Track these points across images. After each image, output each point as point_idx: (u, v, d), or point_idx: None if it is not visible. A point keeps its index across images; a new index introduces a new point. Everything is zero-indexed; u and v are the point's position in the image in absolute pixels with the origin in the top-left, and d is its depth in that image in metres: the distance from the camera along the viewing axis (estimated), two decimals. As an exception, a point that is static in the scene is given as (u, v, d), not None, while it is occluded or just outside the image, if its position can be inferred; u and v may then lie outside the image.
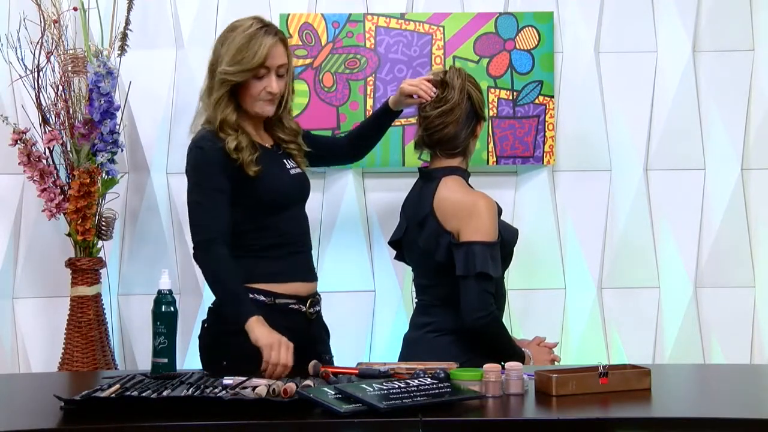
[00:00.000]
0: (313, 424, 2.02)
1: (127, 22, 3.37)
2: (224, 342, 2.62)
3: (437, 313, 2.80)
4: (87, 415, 2.05)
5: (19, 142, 3.26)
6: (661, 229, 3.58)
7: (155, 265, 3.41)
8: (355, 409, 2.00)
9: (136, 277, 3.53)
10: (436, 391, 2.11)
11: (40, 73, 3.32)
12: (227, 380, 2.22)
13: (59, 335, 3.37)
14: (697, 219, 3.57)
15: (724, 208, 3.56)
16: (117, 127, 3.29)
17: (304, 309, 2.70)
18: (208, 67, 2.71)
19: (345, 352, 3.18)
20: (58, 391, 2.28)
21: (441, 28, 3.49)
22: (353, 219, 3.53)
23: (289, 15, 3.48)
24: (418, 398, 2.06)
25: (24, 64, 3.32)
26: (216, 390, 2.16)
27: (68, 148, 3.31)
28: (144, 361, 3.43)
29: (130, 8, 3.37)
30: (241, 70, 2.62)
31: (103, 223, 3.34)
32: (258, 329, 2.49)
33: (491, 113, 3.48)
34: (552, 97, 3.50)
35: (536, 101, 3.50)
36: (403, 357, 2.82)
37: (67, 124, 3.32)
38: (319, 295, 2.79)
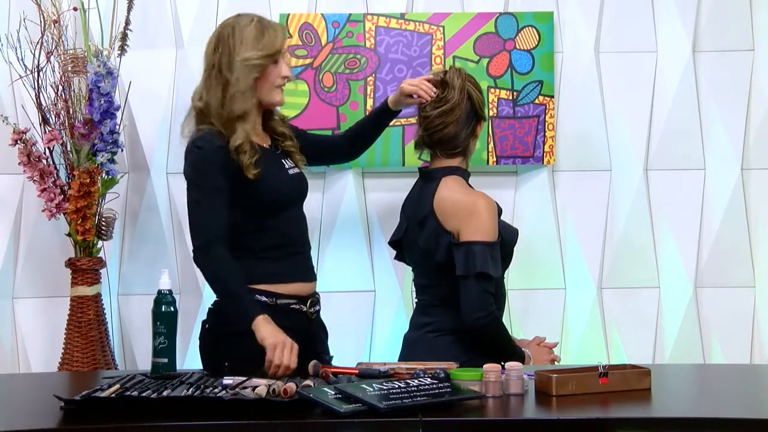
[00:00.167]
0: (313, 424, 2.02)
1: (127, 22, 3.37)
2: (225, 342, 2.62)
3: (437, 313, 2.80)
4: (87, 415, 2.05)
5: (19, 142, 3.26)
6: (661, 229, 3.58)
7: (155, 265, 3.41)
8: (355, 409, 2.00)
9: (136, 277, 3.53)
10: (436, 391, 2.11)
11: (40, 73, 3.32)
12: (227, 380, 2.22)
13: (59, 335, 3.38)
14: (697, 219, 3.58)
15: (724, 208, 3.56)
16: (117, 127, 3.30)
17: (305, 309, 2.70)
18: (211, 64, 2.68)
19: (345, 352, 3.19)
20: (58, 391, 2.28)
21: (441, 28, 3.49)
22: (353, 219, 3.53)
23: (289, 15, 3.48)
24: (418, 398, 2.06)
25: (24, 64, 3.32)
26: (216, 390, 2.16)
27: (68, 148, 3.31)
28: (144, 361, 3.43)
29: (130, 8, 3.37)
30: (266, 55, 2.65)
31: (103, 223, 3.34)
32: (264, 328, 2.49)
33: (491, 113, 3.48)
34: (552, 97, 3.50)
35: (536, 101, 3.50)
36: (403, 357, 2.82)
37: (67, 124, 3.32)
38: (318, 295, 2.79)
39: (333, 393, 2.07)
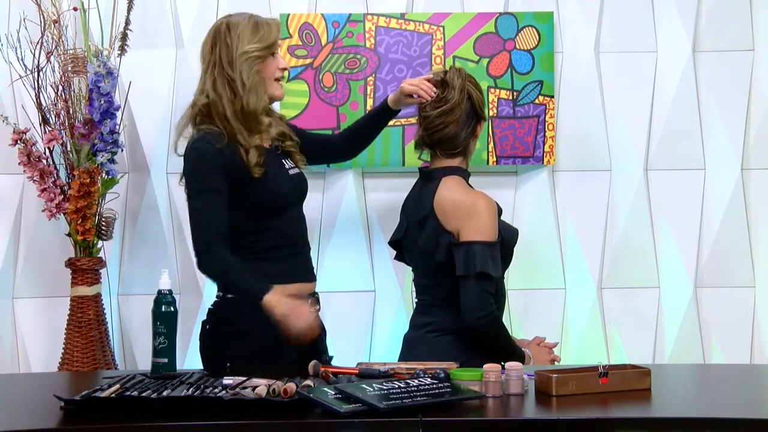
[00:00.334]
0: (313, 424, 2.02)
1: (127, 22, 3.37)
2: (225, 343, 2.62)
3: (437, 313, 2.80)
4: (87, 415, 2.05)
5: (19, 142, 3.26)
6: (661, 229, 3.58)
7: (155, 265, 3.41)
8: (355, 409, 2.00)
9: (136, 277, 3.53)
10: (436, 391, 2.11)
11: (40, 73, 3.32)
12: (227, 380, 2.22)
13: (59, 335, 3.37)
14: (697, 219, 3.58)
15: (724, 208, 3.56)
16: (117, 127, 3.30)
17: (305, 309, 2.70)
18: (210, 63, 2.68)
19: (345, 352, 3.19)
20: (58, 391, 2.28)
21: (441, 28, 3.49)
22: (353, 219, 3.53)
23: (289, 15, 3.48)
24: (418, 398, 2.06)
25: (24, 64, 3.32)
26: (216, 390, 2.16)
27: (68, 148, 3.31)
28: (144, 361, 3.43)
29: (130, 8, 3.37)
30: (264, 46, 2.67)
31: (103, 223, 3.34)
32: (270, 302, 2.52)
33: (491, 113, 3.48)
34: (552, 97, 3.50)
35: (536, 101, 3.50)
36: (403, 357, 2.82)
37: (67, 124, 3.32)
38: (318, 294, 2.79)
39: (333, 393, 2.07)
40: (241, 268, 2.59)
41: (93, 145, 3.27)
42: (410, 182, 2.97)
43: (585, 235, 3.56)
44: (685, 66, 3.56)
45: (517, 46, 3.49)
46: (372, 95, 3.48)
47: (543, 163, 3.51)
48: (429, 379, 2.19)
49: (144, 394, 2.11)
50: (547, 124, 3.50)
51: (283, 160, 2.76)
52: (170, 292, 2.45)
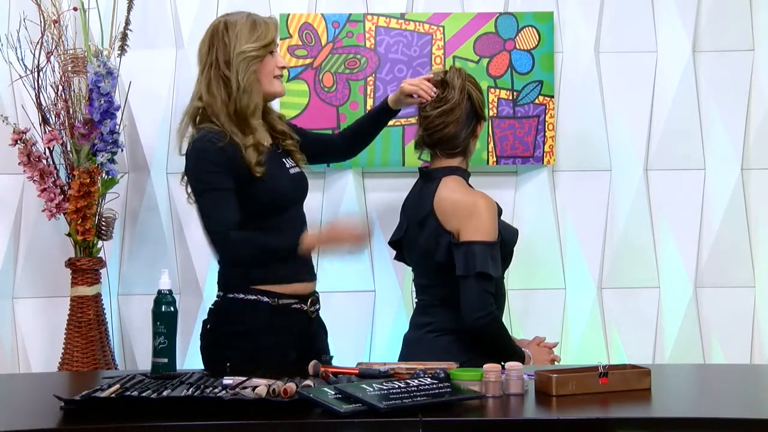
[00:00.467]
0: (313, 424, 2.02)
1: (127, 22, 3.37)
2: (226, 343, 2.62)
3: (437, 313, 2.80)
4: (87, 415, 2.04)
5: (19, 142, 3.26)
6: (661, 229, 3.58)
7: (155, 265, 3.41)
8: (355, 409, 2.00)
9: (136, 277, 3.53)
10: (436, 391, 2.11)
11: (40, 73, 3.32)
12: (227, 380, 2.22)
13: (59, 335, 3.37)
14: (697, 219, 3.58)
15: (724, 208, 3.56)
16: (117, 127, 3.29)
17: (306, 308, 2.70)
18: (207, 63, 2.68)
19: (345, 352, 3.19)
20: (58, 391, 2.28)
21: (441, 28, 3.49)
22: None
23: (289, 15, 3.48)
24: (418, 398, 2.06)
25: (24, 64, 3.32)
26: (216, 390, 2.16)
27: (68, 148, 3.31)
28: (144, 361, 3.43)
29: (130, 8, 3.37)
30: (262, 45, 2.66)
31: (103, 223, 3.34)
32: (309, 245, 2.63)
33: (491, 113, 3.48)
34: (552, 97, 3.50)
35: (536, 101, 3.50)
36: (403, 357, 2.82)
37: (67, 124, 3.32)
38: (318, 294, 2.79)
39: (333, 393, 2.07)
40: (263, 237, 2.62)
41: (93, 145, 3.27)
42: (410, 182, 2.97)
43: (585, 235, 3.56)
44: (685, 66, 3.56)
45: (517, 46, 3.49)
46: (372, 95, 3.48)
47: (543, 163, 3.51)
48: (429, 379, 2.19)
49: (144, 394, 2.11)
50: (547, 124, 3.50)
51: (284, 159, 2.76)
52: (170, 292, 2.45)
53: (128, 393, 2.12)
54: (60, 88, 3.33)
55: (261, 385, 2.12)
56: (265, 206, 2.65)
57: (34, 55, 3.31)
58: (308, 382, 2.21)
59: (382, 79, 3.48)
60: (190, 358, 3.43)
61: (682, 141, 3.57)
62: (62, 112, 3.33)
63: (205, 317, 2.73)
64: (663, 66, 3.57)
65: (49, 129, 3.31)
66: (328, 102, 3.48)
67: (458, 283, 2.68)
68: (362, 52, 3.48)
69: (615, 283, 3.57)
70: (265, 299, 2.63)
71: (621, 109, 3.57)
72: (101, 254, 3.39)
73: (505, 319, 2.89)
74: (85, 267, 3.32)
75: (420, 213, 2.81)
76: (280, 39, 2.77)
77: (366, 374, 2.32)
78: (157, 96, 3.52)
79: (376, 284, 3.54)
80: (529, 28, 3.49)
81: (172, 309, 2.43)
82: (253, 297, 2.62)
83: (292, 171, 2.76)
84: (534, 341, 2.91)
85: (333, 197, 3.52)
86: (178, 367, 2.46)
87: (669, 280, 3.57)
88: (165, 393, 2.13)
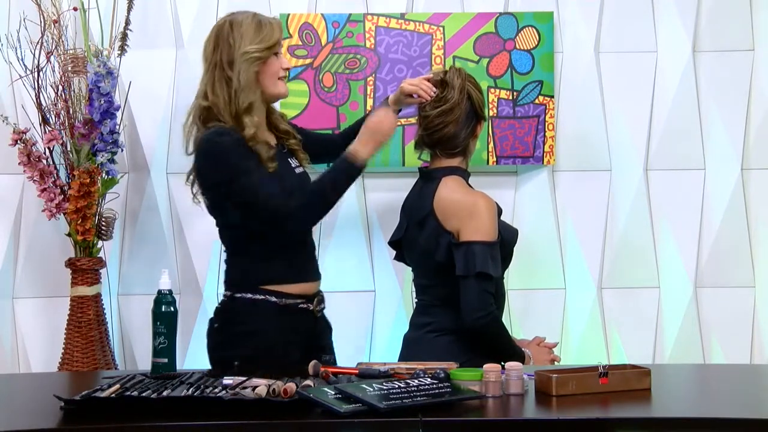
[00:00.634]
0: (313, 424, 2.02)
1: (127, 22, 3.37)
2: (234, 342, 2.62)
3: (437, 313, 2.80)
4: (87, 415, 2.04)
5: (19, 142, 3.26)
6: (661, 229, 3.58)
7: (155, 265, 3.41)
8: (355, 409, 2.00)
9: (136, 277, 3.53)
10: (436, 391, 2.11)
11: (40, 73, 3.32)
12: (227, 380, 2.22)
13: (59, 335, 3.37)
14: (697, 219, 3.58)
15: (724, 208, 3.56)
16: (117, 127, 3.29)
17: (312, 307, 2.71)
18: (212, 63, 2.67)
19: (345, 352, 3.18)
20: (58, 391, 2.27)
21: (441, 28, 3.49)
22: (353, 219, 3.53)
23: (289, 15, 3.48)
24: (418, 398, 2.06)
25: (24, 64, 3.32)
26: (216, 390, 2.16)
27: (68, 148, 3.31)
28: (144, 361, 3.43)
29: (130, 8, 3.37)
30: (266, 47, 2.65)
31: (103, 223, 3.34)
32: (362, 153, 2.63)
33: (491, 113, 3.48)
34: (552, 97, 3.50)
35: (536, 101, 3.50)
36: (403, 357, 2.82)
37: (67, 124, 3.32)
38: (323, 293, 2.79)
39: (333, 393, 2.07)
40: (317, 180, 2.62)
41: (93, 145, 3.27)
42: (410, 182, 2.97)
43: (585, 235, 3.56)
44: (685, 66, 3.56)
45: (517, 46, 3.49)
46: (372, 95, 3.48)
47: (543, 163, 3.51)
48: (429, 379, 2.18)
49: (144, 394, 2.11)
50: (547, 124, 3.50)
51: (289, 159, 2.77)
52: (170, 292, 2.45)
53: (128, 393, 2.12)
54: (60, 88, 3.33)
55: (261, 385, 2.12)
56: None
57: (34, 55, 3.31)
58: (308, 382, 2.21)
59: (382, 79, 3.48)
60: (190, 358, 3.43)
61: (682, 141, 3.57)
62: (62, 112, 3.33)
63: (212, 316, 2.73)
64: (663, 66, 3.57)
65: (49, 129, 3.31)
66: (328, 102, 3.48)
67: (458, 283, 2.68)
68: (362, 52, 3.48)
69: (615, 283, 3.57)
70: (273, 299, 2.63)
71: (621, 109, 3.57)
72: (101, 254, 3.39)
73: (505, 319, 2.89)
74: (85, 267, 3.32)
75: (420, 213, 2.81)
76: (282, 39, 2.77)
77: (366, 374, 2.32)
78: (157, 96, 3.52)
79: (376, 284, 3.54)
80: (529, 28, 3.49)
81: (172, 309, 2.43)
82: (261, 297, 2.63)
83: (297, 171, 2.76)
84: (534, 341, 2.91)
85: (333, 197, 3.51)
86: (178, 367, 2.46)
87: (669, 280, 3.57)
88: (165, 393, 2.13)
